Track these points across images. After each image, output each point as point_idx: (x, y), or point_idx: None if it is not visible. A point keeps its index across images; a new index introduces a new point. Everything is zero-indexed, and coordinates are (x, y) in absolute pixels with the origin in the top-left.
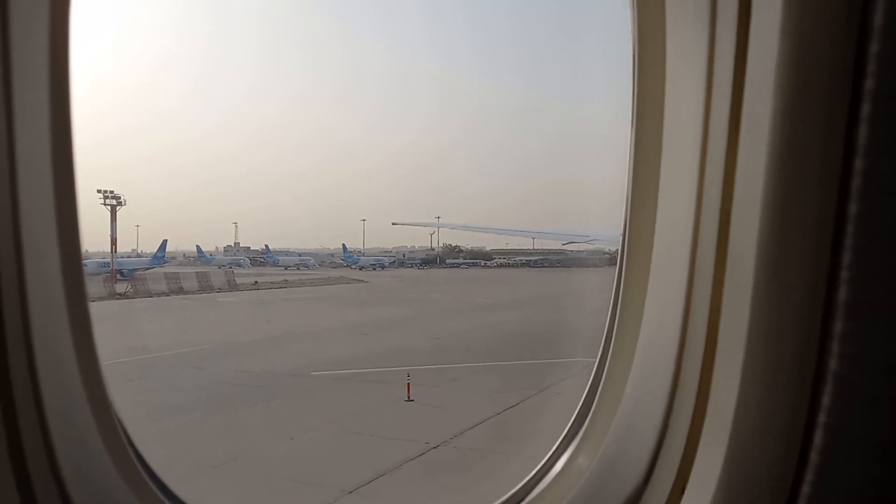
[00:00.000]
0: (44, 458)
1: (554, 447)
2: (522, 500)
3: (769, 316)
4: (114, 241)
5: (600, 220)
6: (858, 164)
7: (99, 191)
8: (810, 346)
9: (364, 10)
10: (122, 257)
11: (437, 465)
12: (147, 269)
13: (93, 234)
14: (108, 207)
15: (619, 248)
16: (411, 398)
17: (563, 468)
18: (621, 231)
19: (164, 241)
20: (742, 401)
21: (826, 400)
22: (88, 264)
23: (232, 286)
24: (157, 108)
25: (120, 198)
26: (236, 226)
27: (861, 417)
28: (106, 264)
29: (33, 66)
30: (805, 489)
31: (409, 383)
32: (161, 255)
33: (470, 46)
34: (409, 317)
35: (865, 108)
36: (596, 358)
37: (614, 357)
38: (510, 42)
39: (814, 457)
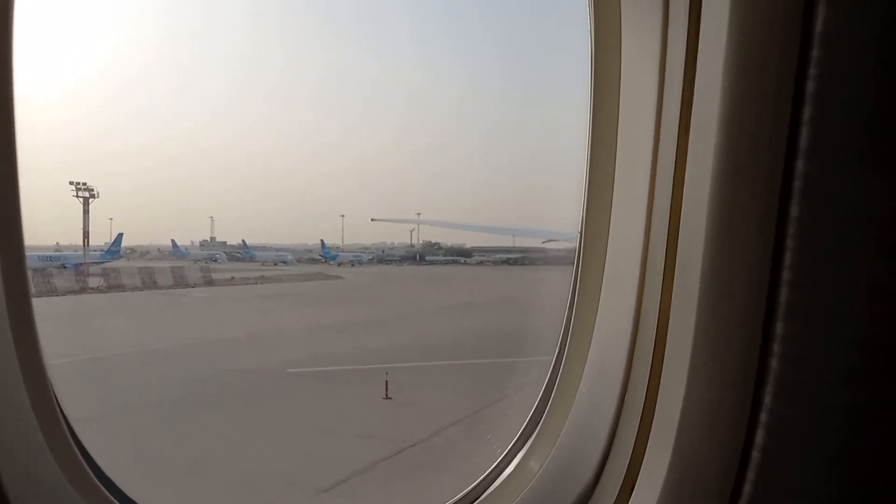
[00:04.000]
0: None
1: (507, 448)
2: (475, 501)
3: (715, 319)
4: (86, 235)
5: (580, 218)
6: (800, 166)
7: (71, 182)
8: (753, 347)
9: (347, 9)
10: (93, 250)
11: (413, 463)
12: (96, 263)
13: (66, 228)
14: (81, 200)
15: (576, 254)
16: (389, 396)
17: (515, 469)
18: (578, 237)
19: (120, 235)
20: (688, 401)
21: (768, 399)
22: (29, 257)
23: (207, 282)
24: (135, 104)
25: (93, 190)
26: (213, 220)
27: (801, 416)
28: (48, 258)
29: None
30: (747, 487)
31: (386, 381)
32: (116, 250)
33: (452, 44)
34: (386, 314)
35: (807, 112)
36: (551, 362)
37: (568, 361)
38: (493, 40)
39: (755, 455)
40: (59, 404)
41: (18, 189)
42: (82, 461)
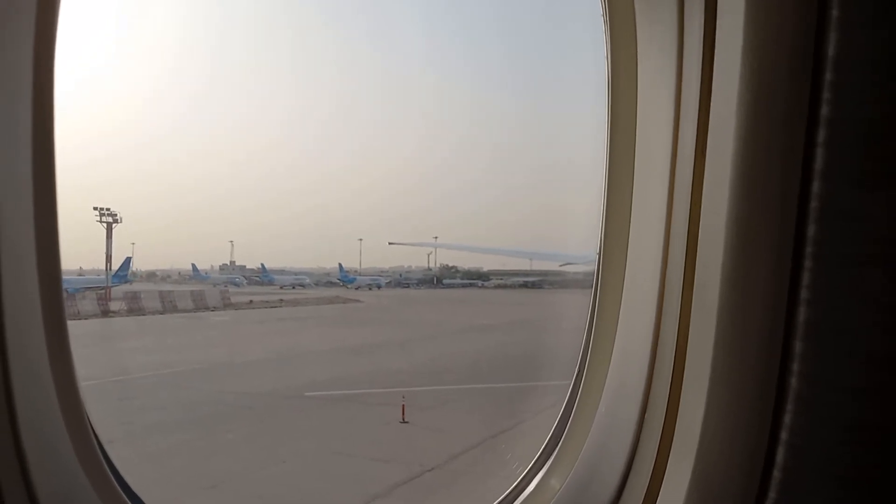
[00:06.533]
0: (15, 463)
1: (528, 467)
2: None
3: (733, 339)
4: (109, 259)
5: (598, 239)
6: (815, 187)
7: (95, 208)
8: (772, 366)
9: (361, 28)
10: (115, 274)
11: (431, 488)
12: (104, 288)
13: (89, 252)
14: (105, 225)
15: (594, 275)
16: (406, 420)
17: (536, 488)
18: (596, 259)
19: (127, 259)
20: (708, 421)
21: (787, 418)
22: None
23: (227, 305)
24: (154, 126)
25: (116, 215)
26: (232, 244)
27: (820, 435)
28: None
29: (16, 77)
30: None
31: (403, 405)
32: (123, 274)
33: (468, 61)
34: (404, 338)
35: (821, 134)
36: (571, 381)
37: (588, 380)
38: (511, 57)
39: (776, 474)
40: (91, 425)
41: (57, 217)
42: (112, 479)
